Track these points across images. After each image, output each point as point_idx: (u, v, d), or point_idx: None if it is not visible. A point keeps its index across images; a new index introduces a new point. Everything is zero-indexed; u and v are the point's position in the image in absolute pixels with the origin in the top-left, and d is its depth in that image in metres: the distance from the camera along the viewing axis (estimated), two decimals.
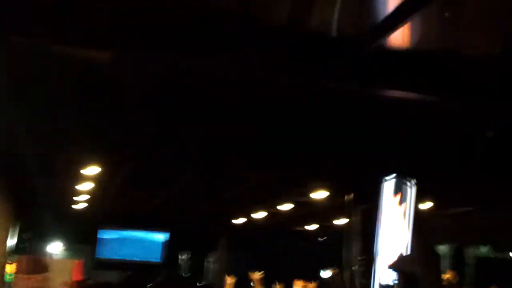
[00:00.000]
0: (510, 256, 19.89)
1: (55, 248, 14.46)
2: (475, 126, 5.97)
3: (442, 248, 18.48)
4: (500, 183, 6.94)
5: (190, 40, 4.09)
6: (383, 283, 6.21)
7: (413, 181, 6.39)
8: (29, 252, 13.57)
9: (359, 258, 6.77)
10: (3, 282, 11.31)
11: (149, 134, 6.11)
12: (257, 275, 9.19)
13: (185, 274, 27.89)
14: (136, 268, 16.40)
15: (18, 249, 12.79)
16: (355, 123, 6.09)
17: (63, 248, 15.04)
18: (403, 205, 6.34)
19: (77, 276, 9.81)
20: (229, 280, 9.29)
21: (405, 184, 6.39)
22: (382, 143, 6.24)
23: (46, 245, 14.62)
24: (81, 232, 14.49)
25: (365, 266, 6.41)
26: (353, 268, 6.81)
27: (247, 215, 11.57)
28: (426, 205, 7.79)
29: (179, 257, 34.19)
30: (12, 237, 12.16)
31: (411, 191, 6.44)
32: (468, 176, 6.72)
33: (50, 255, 13.42)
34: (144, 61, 4.80)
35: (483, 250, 19.40)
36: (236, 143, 6.44)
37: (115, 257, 13.96)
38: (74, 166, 7.86)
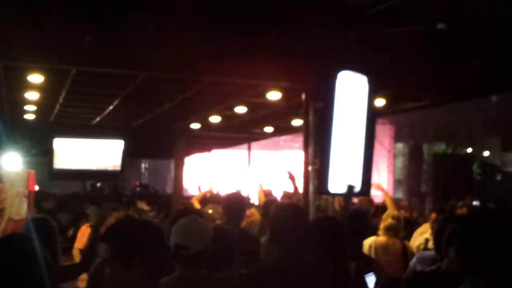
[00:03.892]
0: (465, 152, 20.34)
1: (10, 160, 14.21)
2: (428, 19, 5.87)
3: (398, 146, 18.85)
4: (454, 76, 6.94)
5: None
6: (344, 182, 6.27)
7: (366, 77, 6.35)
8: None
9: (313, 158, 6.76)
10: None
11: (93, 40, 5.86)
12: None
13: (146, 181, 28.19)
14: (95, 177, 16.38)
15: None
16: (307, 17, 5.94)
17: (18, 160, 14.82)
18: (356, 101, 6.31)
19: (32, 186, 9.69)
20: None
21: (358, 79, 6.34)
22: (334, 37, 6.11)
23: (0, 158, 14.38)
24: (36, 143, 14.25)
25: (319, 166, 6.40)
26: (309, 168, 6.82)
27: (202, 119, 11.46)
28: (380, 102, 7.76)
29: (142, 165, 34.32)
30: None
31: (364, 87, 6.41)
32: (422, 70, 6.67)
33: (4, 167, 13.19)
34: None
35: (440, 146, 19.79)
36: (184, 46, 6.24)
37: (73, 166, 13.76)
38: (20, 74, 7.58)
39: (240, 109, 9.89)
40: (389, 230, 6.29)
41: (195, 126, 12.34)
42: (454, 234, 3.62)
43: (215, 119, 11.17)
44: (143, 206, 10.50)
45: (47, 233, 4.32)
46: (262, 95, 8.33)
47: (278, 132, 14.13)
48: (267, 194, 10.22)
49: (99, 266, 4.26)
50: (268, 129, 13.01)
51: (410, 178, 18.97)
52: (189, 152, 16.47)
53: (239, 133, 13.98)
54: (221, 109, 10.23)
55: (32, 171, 9.89)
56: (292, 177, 7.88)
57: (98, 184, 18.23)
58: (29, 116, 11.83)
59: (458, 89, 7.25)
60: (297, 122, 10.74)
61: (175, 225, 3.52)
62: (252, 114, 10.34)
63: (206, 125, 12.01)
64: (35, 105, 10.46)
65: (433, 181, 17.93)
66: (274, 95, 8.23)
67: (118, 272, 2.61)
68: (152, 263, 2.65)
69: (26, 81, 7.87)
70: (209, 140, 15.49)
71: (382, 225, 6.37)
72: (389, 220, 6.38)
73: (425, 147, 19.05)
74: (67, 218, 11.69)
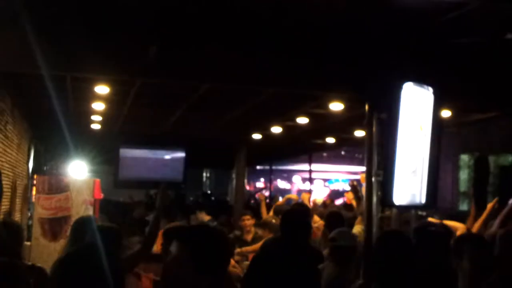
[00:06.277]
0: None
1: (77, 168, 14.60)
2: (495, 29, 5.72)
3: (463, 157, 18.39)
4: None
5: None
6: (405, 192, 6.15)
7: (431, 88, 6.22)
8: (51, 173, 13.77)
9: (377, 169, 6.65)
10: (28, 203, 11.51)
11: (157, 52, 5.96)
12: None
13: (208, 191, 28.41)
14: (158, 186, 16.58)
15: (40, 170, 12.94)
16: (371, 29, 5.87)
17: (85, 168, 15.22)
18: (421, 113, 6.19)
19: (98, 194, 9.91)
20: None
21: (423, 91, 6.21)
22: (399, 47, 6.02)
23: (67, 166, 14.78)
24: (101, 152, 14.59)
25: (383, 178, 6.30)
26: (372, 179, 6.71)
27: (264, 130, 11.47)
28: (445, 113, 7.59)
29: (203, 174, 34.61)
30: (33, 159, 12.28)
31: (429, 98, 6.28)
32: (489, 81, 6.49)
33: (71, 175, 13.55)
34: None
35: (507, 158, 19.16)
36: (247, 58, 6.28)
37: (137, 175, 13.99)
38: (88, 85, 7.76)
39: (302, 120, 9.85)
40: None
41: (256, 136, 12.36)
42: None
43: (276, 129, 11.16)
44: (204, 216, 10.55)
45: (113, 239, 4.47)
46: (324, 106, 8.27)
47: (339, 143, 14.01)
48: (327, 205, 10.10)
49: None
50: (330, 139, 12.92)
51: (476, 190, 18.46)
52: (250, 162, 16.52)
53: (300, 144, 13.93)
54: (282, 120, 10.22)
55: (98, 180, 10.12)
56: (355, 188, 7.77)
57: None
58: (95, 126, 12.09)
59: None
60: (359, 133, 10.63)
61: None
62: (313, 125, 10.29)
63: (267, 136, 12.02)
64: (101, 116, 10.70)
65: (500, 194, 17.39)
66: (336, 106, 8.16)
67: (189, 272, 2.65)
68: (223, 269, 2.78)
69: (93, 92, 8.05)
70: (270, 150, 15.49)
71: None
72: None
73: (491, 158, 18.48)
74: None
